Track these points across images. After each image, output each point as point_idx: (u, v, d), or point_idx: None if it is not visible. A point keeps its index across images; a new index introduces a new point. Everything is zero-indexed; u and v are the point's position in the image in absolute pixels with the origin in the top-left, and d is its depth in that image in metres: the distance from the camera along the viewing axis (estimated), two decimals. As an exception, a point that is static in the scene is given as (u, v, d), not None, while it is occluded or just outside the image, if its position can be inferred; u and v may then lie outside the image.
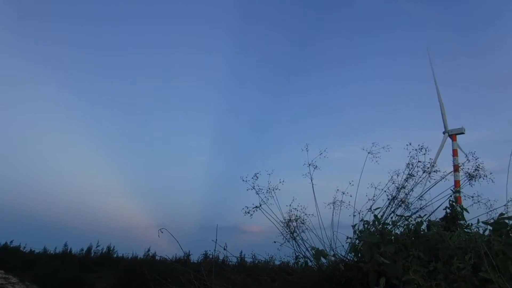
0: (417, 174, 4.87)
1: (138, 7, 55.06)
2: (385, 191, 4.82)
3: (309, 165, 5.10)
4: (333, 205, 4.83)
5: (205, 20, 57.16)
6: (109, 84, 54.52)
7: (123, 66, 57.21)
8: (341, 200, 4.84)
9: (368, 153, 5.02)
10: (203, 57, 57.86)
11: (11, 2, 47.03)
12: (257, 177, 5.06)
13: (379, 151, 4.98)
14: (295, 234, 4.84)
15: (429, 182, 4.89)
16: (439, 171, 4.93)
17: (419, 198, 4.83)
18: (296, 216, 4.91)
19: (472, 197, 4.66)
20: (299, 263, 4.65)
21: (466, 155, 4.90)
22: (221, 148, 51.37)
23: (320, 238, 4.63)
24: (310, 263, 4.52)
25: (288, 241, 4.84)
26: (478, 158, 4.76)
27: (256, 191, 5.03)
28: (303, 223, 4.86)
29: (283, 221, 4.98)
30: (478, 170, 4.75)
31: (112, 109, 55.16)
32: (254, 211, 4.96)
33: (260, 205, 4.96)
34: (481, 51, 49.81)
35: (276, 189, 4.98)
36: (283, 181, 4.99)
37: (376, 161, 4.99)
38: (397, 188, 4.82)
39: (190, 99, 56.35)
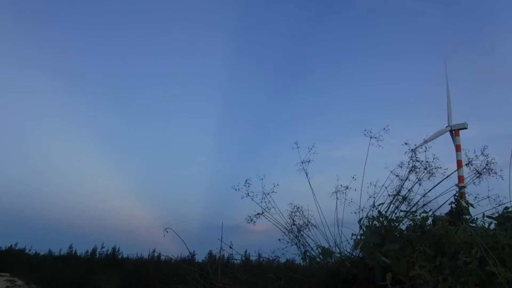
0: (419, 169, 4.84)
1: (139, 11, 55.18)
2: (386, 187, 4.81)
3: (302, 162, 5.08)
4: (336, 195, 4.80)
5: (205, 23, 57.13)
6: (112, 88, 54.67)
7: (125, 70, 57.33)
8: (346, 187, 4.80)
9: (371, 137, 4.94)
10: (204, 59, 57.88)
11: (15, 10, 47.16)
12: (249, 184, 5.03)
13: (380, 134, 4.90)
14: (299, 234, 4.84)
15: (433, 178, 4.87)
16: (440, 167, 4.90)
17: (423, 195, 4.81)
18: (299, 211, 4.91)
19: (476, 196, 4.62)
20: (306, 259, 4.64)
21: (473, 155, 4.85)
22: (223, 148, 51.42)
23: (324, 235, 4.63)
24: (315, 262, 4.52)
25: (295, 239, 4.84)
26: (488, 154, 4.69)
27: (251, 198, 5.00)
28: (308, 223, 4.85)
29: (287, 221, 4.98)
30: (488, 167, 4.68)
31: (116, 112, 55.34)
32: (257, 217, 4.95)
33: (263, 213, 4.93)
34: (483, 46, 49.56)
35: (272, 192, 4.96)
36: (277, 185, 4.96)
37: (380, 145, 4.92)
38: (401, 180, 4.80)
39: (192, 100, 56.43)
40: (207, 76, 58.61)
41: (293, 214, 4.97)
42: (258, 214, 4.93)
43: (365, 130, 4.96)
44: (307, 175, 5.06)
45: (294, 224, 4.93)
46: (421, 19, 52.27)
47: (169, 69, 56.97)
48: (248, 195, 5.02)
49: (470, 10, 50.89)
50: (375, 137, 4.93)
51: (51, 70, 54.85)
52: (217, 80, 57.26)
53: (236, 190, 5.04)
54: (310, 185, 5.03)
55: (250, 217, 4.97)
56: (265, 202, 4.95)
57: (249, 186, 5.04)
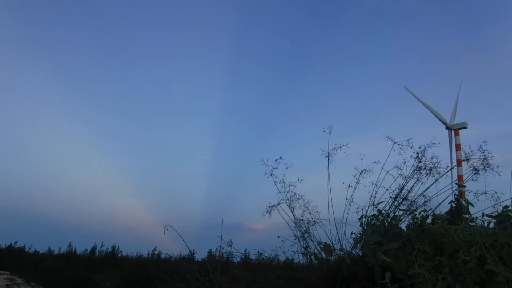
0: (423, 169, 4.86)
1: (139, 11, 55.05)
2: (387, 190, 4.82)
3: (328, 153, 5.04)
4: (356, 182, 4.78)
5: (205, 23, 57.03)
6: (113, 86, 54.48)
7: (126, 69, 57.11)
8: (362, 175, 4.81)
9: (394, 143, 4.98)
10: (205, 58, 57.89)
11: (17, 9, 47.10)
12: (279, 163, 4.97)
13: (404, 142, 4.95)
14: (305, 234, 4.82)
15: (433, 176, 4.88)
16: (441, 167, 4.92)
17: (422, 192, 4.82)
18: (307, 210, 4.89)
19: (476, 193, 4.63)
20: (307, 255, 4.63)
21: (468, 154, 4.86)
22: (223, 147, 51.36)
23: (328, 233, 4.63)
24: (317, 259, 4.51)
25: (301, 236, 4.83)
26: (485, 150, 4.72)
27: (274, 181, 4.97)
28: (315, 222, 4.84)
29: (295, 220, 4.95)
30: (485, 162, 4.70)
31: (116, 110, 55.26)
32: (273, 209, 4.90)
33: (279, 203, 4.90)
34: (484, 46, 49.55)
35: (292, 185, 4.94)
36: (302, 180, 4.93)
37: (400, 153, 4.93)
38: (405, 178, 4.81)
39: (192, 99, 56.43)
40: (207, 75, 58.52)
41: (304, 210, 4.95)
42: (273, 205, 4.89)
43: (389, 136, 5.02)
44: (328, 167, 5.04)
45: (301, 221, 4.91)
46: (422, 19, 52.18)
47: (170, 68, 56.87)
48: (272, 174, 4.99)
49: (470, 9, 50.86)
50: (399, 144, 4.97)
51: (52, 69, 54.81)
52: (217, 79, 57.16)
53: (263, 164, 5.02)
54: (328, 177, 5.00)
55: (269, 206, 4.86)
56: (285, 192, 4.94)
57: (277, 166, 4.96)
